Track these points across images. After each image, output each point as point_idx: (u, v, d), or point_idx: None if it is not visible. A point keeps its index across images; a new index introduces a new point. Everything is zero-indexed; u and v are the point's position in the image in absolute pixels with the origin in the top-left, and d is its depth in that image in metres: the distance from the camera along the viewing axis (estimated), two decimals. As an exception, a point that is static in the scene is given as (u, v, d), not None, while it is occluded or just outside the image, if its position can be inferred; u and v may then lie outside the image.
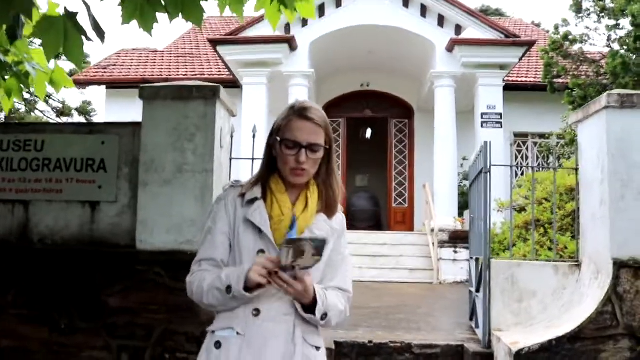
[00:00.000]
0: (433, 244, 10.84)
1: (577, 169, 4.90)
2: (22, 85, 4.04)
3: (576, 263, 4.75)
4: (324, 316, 1.85)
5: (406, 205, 14.78)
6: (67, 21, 2.46)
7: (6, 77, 3.91)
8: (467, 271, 8.18)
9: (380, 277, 10.31)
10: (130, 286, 4.13)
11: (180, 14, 2.82)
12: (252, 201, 1.91)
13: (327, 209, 1.97)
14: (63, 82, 4.10)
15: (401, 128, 15.09)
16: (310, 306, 1.83)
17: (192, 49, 16.87)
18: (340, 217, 2.02)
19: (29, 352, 4.09)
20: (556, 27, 11.46)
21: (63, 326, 4.10)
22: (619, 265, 4.14)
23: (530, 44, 11.64)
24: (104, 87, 14.68)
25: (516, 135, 13.56)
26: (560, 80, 11.64)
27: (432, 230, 10.94)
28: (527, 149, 14.40)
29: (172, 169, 4.17)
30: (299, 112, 1.91)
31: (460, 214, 11.54)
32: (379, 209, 15.36)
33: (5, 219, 4.34)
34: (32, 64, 3.72)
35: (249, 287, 1.76)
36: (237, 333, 1.83)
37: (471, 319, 5.76)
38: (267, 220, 1.88)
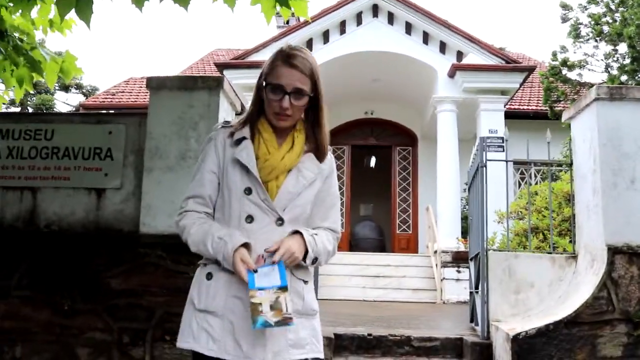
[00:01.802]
0: (436, 265, 10.87)
1: (571, 164, 5.00)
2: (32, 75, 4.19)
3: (572, 255, 4.81)
4: (314, 260, 1.93)
5: (410, 232, 14.82)
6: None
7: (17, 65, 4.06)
8: (469, 291, 8.19)
9: (384, 297, 10.32)
10: (132, 269, 4.21)
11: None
12: (240, 140, 1.96)
13: (317, 151, 2.02)
14: (73, 71, 4.25)
15: (405, 155, 15.25)
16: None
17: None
18: (328, 158, 2.07)
19: (30, 333, 4.15)
20: (554, 54, 11.70)
21: (66, 307, 4.17)
22: (613, 252, 4.21)
23: (530, 70, 11.87)
24: (112, 112, 14.98)
25: (518, 163, 13.69)
26: (560, 105, 11.81)
27: (435, 252, 10.98)
28: (530, 176, 14.50)
29: (176, 155, 4.30)
30: (285, 58, 1.94)
31: (464, 236, 11.56)
32: (383, 237, 15.39)
33: (13, 205, 4.46)
34: (45, 50, 3.88)
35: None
36: (224, 267, 1.87)
37: (471, 321, 5.78)
38: (253, 159, 1.92)
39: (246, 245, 1.85)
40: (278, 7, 3.69)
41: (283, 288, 1.78)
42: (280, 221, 1.92)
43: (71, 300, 4.19)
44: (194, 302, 1.93)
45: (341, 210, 14.53)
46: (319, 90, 2.00)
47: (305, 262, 1.90)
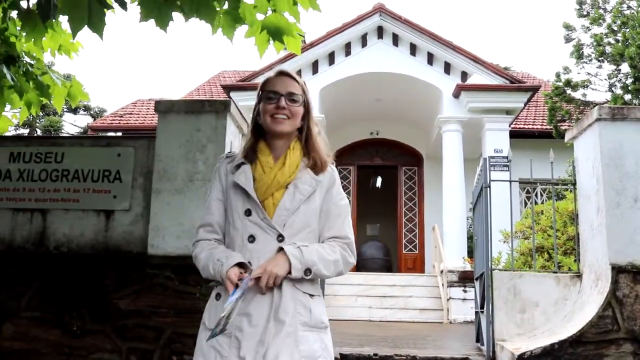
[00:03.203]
0: (443, 285, 10.86)
1: (574, 184, 5.04)
2: (41, 99, 4.28)
3: (577, 274, 4.83)
4: (308, 272, 1.94)
5: (416, 252, 14.81)
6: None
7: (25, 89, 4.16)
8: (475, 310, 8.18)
9: (390, 317, 10.30)
10: (141, 290, 4.26)
11: (195, 14, 3.08)
12: (239, 165, 2.07)
13: (315, 166, 2.09)
14: (79, 96, 4.36)
15: (411, 175, 15.29)
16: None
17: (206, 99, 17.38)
18: (329, 171, 2.13)
19: (40, 354, 4.20)
20: (557, 75, 11.78)
21: (75, 328, 4.22)
22: (617, 270, 4.23)
23: (535, 89, 11.95)
24: (119, 134, 15.14)
25: (522, 182, 13.72)
26: (565, 124, 11.87)
27: (442, 272, 10.97)
28: (535, 195, 14.50)
29: (184, 178, 4.38)
30: (277, 72, 2.13)
31: (470, 256, 11.56)
32: (390, 257, 15.38)
33: (24, 226, 4.54)
34: (55, 75, 3.99)
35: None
36: None
37: (477, 341, 5.79)
38: (251, 180, 2.02)
39: (242, 265, 1.94)
40: (272, 41, 3.76)
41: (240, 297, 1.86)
42: (280, 237, 1.99)
43: (80, 321, 4.24)
44: (205, 321, 2.03)
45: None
46: (309, 106, 2.13)
47: (292, 274, 1.92)
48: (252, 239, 1.99)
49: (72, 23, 2.72)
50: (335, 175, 2.17)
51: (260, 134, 2.12)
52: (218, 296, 2.01)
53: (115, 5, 2.87)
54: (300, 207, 2.02)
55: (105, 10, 2.78)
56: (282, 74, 2.12)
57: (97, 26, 2.74)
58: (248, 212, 2.00)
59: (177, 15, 3.13)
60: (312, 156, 2.10)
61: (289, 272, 1.92)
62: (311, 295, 2.01)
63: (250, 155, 2.09)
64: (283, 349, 1.88)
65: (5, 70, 3.83)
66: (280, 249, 1.95)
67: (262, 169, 2.04)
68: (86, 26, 2.74)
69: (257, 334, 1.89)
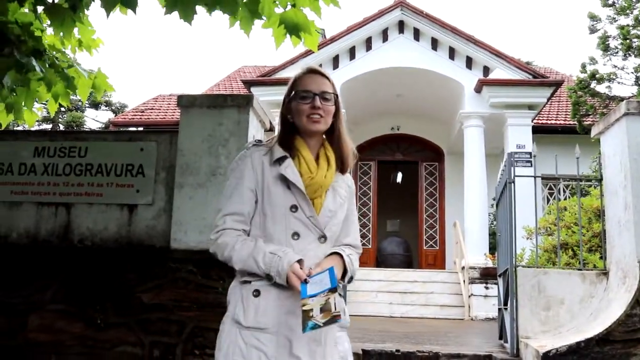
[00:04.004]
0: (464, 281, 10.78)
1: (600, 179, 4.96)
2: (68, 90, 4.31)
3: (603, 271, 4.75)
4: (351, 279, 2.04)
5: (437, 248, 14.72)
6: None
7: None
8: (497, 307, 8.11)
9: (411, 313, 10.27)
10: (164, 283, 4.28)
11: (217, 7, 3.07)
12: (281, 159, 1.98)
13: (345, 164, 2.08)
14: (105, 87, 4.38)
15: (431, 171, 15.19)
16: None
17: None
18: (350, 177, 2.16)
19: (64, 346, 4.24)
20: (583, 66, 11.59)
21: (99, 321, 4.25)
22: (646, 268, 4.15)
23: (558, 84, 11.79)
24: (141, 129, 15.23)
25: (546, 178, 13.55)
26: (589, 119, 11.69)
27: (463, 268, 10.90)
28: (559, 191, 14.33)
29: (206, 172, 4.38)
30: (307, 70, 2.09)
31: (492, 252, 11.45)
32: (410, 253, 15.31)
33: (48, 220, 4.58)
34: (81, 67, 4.01)
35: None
36: (275, 282, 1.88)
37: (500, 338, 5.73)
38: (299, 176, 1.95)
39: (299, 262, 1.89)
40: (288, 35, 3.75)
41: (333, 289, 1.80)
42: (323, 238, 1.98)
43: (104, 314, 4.27)
44: (239, 320, 1.90)
45: (368, 226, 14.55)
46: (339, 104, 2.08)
47: (343, 281, 1.99)
48: (296, 236, 1.95)
49: (105, 2, 2.72)
50: (352, 181, 2.21)
51: (291, 131, 2.05)
52: (257, 292, 1.90)
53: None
54: (338, 211, 2.03)
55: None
56: (313, 71, 2.08)
57: (130, 1, 2.74)
58: (294, 208, 1.94)
59: (199, 9, 3.12)
60: (339, 156, 2.08)
61: (341, 278, 1.97)
62: (340, 296, 2.01)
63: (291, 149, 2.02)
64: (331, 349, 1.93)
65: (34, 62, 3.86)
66: (335, 253, 1.99)
67: (308, 166, 1.99)
68: (118, 7, 2.75)
69: (308, 333, 1.83)
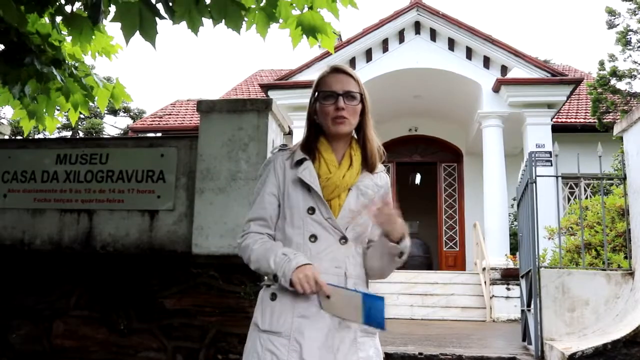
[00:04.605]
0: (485, 282, 10.69)
1: (624, 178, 4.89)
2: (87, 99, 4.35)
3: (629, 271, 4.68)
4: (401, 254, 1.93)
5: (457, 249, 14.64)
6: (142, 5, 2.74)
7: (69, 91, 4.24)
8: (520, 309, 8.04)
9: (432, 315, 10.21)
10: (186, 289, 4.29)
11: (223, 20, 3.08)
12: (301, 161, 1.98)
13: (370, 162, 2.04)
14: (122, 96, 4.41)
15: (450, 172, 15.11)
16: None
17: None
18: (383, 176, 2.09)
19: (88, 352, 4.27)
20: (601, 63, 11.45)
21: (122, 327, 4.27)
22: (673, 268, 4.08)
23: (577, 82, 11.65)
24: (160, 134, 15.35)
25: (567, 177, 13.41)
26: (609, 117, 11.53)
27: (484, 269, 10.81)
28: (580, 190, 14.14)
29: (227, 177, 4.39)
30: (331, 69, 2.06)
31: (512, 253, 11.35)
32: (430, 255, 15.23)
33: (71, 227, 4.62)
34: (98, 77, 4.04)
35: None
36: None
37: (524, 340, 5.67)
38: (316, 178, 1.94)
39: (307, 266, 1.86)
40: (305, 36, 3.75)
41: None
42: (343, 240, 1.94)
43: (127, 320, 4.29)
44: (257, 323, 1.93)
45: (387, 228, 14.59)
46: (366, 101, 2.04)
47: (397, 256, 1.93)
48: (314, 238, 1.92)
49: (124, 30, 2.74)
50: (389, 181, 2.14)
51: (318, 132, 2.04)
52: (273, 296, 1.91)
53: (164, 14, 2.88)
54: (363, 211, 1.96)
55: (156, 18, 2.79)
56: (337, 70, 2.04)
57: (149, 34, 2.76)
58: (311, 210, 1.93)
59: (206, 21, 3.14)
60: (366, 154, 2.04)
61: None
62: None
63: (312, 152, 2.01)
64: (349, 356, 1.86)
65: (54, 71, 3.91)
66: None
67: (328, 167, 1.97)
68: (138, 33, 2.76)
69: (320, 338, 1.84)
